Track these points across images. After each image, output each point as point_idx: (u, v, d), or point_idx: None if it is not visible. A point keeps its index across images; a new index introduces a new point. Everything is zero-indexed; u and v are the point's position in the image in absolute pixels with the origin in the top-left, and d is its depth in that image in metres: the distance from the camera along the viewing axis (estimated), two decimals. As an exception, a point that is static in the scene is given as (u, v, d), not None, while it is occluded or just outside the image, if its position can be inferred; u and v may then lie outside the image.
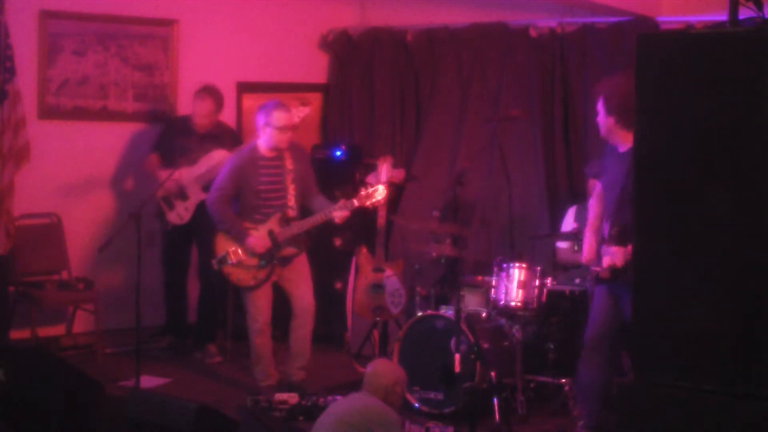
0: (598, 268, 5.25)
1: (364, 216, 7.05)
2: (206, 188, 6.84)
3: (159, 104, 7.68)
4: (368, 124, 8.25)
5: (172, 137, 7.11)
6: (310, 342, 6.35)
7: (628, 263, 5.03)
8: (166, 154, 7.06)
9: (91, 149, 7.43)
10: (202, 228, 7.02)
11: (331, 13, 8.47)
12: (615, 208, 5.18)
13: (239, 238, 6.16)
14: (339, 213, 6.09)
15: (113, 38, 7.48)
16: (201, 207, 6.92)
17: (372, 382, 4.74)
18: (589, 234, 5.40)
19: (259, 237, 6.15)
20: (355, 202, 6.10)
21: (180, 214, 7.01)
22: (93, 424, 5.27)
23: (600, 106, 5.23)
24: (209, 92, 7.09)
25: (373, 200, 6.15)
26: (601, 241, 5.25)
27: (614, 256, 5.09)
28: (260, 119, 6.22)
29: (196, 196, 6.96)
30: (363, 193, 6.12)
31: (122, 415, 5.02)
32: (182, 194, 6.99)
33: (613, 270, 5.12)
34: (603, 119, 5.22)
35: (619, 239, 5.09)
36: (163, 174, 6.89)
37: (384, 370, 4.85)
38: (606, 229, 5.22)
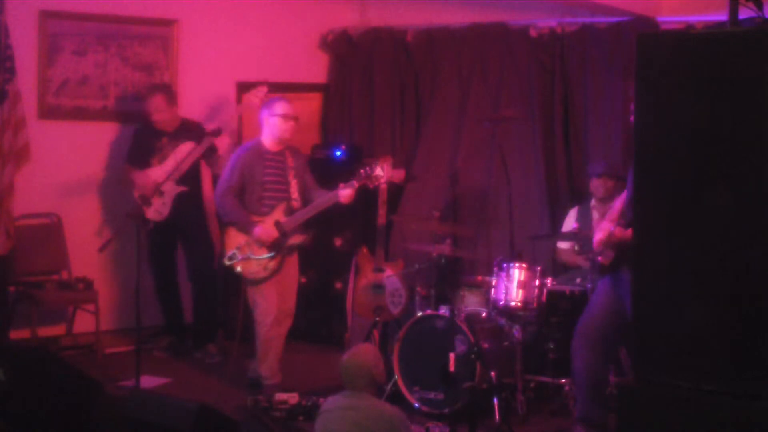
0: (601, 258, 5.26)
1: (364, 216, 7.05)
2: (180, 181, 6.97)
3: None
4: (368, 124, 8.25)
5: (143, 141, 7.16)
6: (284, 341, 6.46)
7: (626, 244, 5.01)
8: (140, 159, 7.11)
9: (91, 149, 7.43)
10: (185, 228, 7.08)
11: (331, 13, 8.47)
12: (626, 202, 5.23)
13: (246, 229, 6.22)
14: (343, 192, 6.13)
15: (113, 38, 7.48)
16: (179, 200, 6.98)
17: (355, 381, 4.64)
18: (606, 221, 5.42)
19: (266, 227, 6.20)
20: (355, 183, 6.15)
21: (158, 209, 7.02)
22: (93, 424, 5.27)
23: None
24: (156, 88, 7.24)
25: (373, 179, 6.18)
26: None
27: (605, 230, 5.11)
28: (263, 113, 6.36)
29: (171, 190, 7.00)
30: (363, 172, 6.16)
31: (122, 415, 5.01)
32: (158, 191, 6.99)
33: (617, 250, 5.13)
34: None
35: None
36: (139, 177, 6.97)
37: (360, 362, 4.69)
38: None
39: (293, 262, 6.44)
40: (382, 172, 6.24)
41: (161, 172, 6.98)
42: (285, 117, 6.28)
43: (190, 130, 7.20)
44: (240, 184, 6.29)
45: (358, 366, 4.66)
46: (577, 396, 5.61)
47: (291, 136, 6.36)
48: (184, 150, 6.99)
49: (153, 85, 7.34)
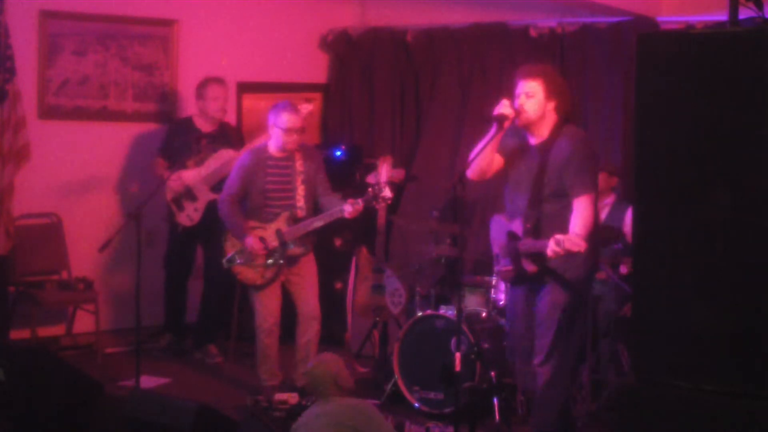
0: (508, 268, 5.10)
1: (364, 216, 7.05)
2: (215, 188, 6.86)
3: (159, 104, 7.68)
4: (368, 124, 8.25)
5: (178, 139, 7.10)
6: (315, 347, 6.34)
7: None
8: (173, 156, 7.06)
9: (91, 149, 7.43)
10: (207, 228, 7.03)
11: (331, 13, 8.47)
12: (528, 204, 5.03)
13: (239, 237, 6.17)
14: (349, 208, 6.07)
15: (113, 38, 7.48)
16: (210, 207, 6.92)
17: (320, 389, 4.65)
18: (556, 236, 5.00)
19: (257, 238, 6.15)
20: (361, 202, 6.08)
21: (190, 215, 7.00)
22: (93, 424, 5.28)
23: (537, 89, 4.99)
24: (214, 79, 7.15)
25: (380, 200, 6.13)
26: (513, 237, 5.08)
27: (569, 241, 4.66)
28: (270, 119, 6.22)
29: (204, 196, 6.95)
30: (371, 191, 6.11)
31: (122, 415, 5.02)
32: (191, 195, 6.98)
33: (539, 260, 4.91)
34: (541, 102, 5.00)
35: (534, 233, 4.96)
36: (172, 178, 6.90)
37: (322, 371, 4.70)
38: (518, 224, 5.06)
39: (309, 264, 6.37)
40: (391, 194, 6.16)
41: (197, 176, 6.94)
42: (287, 131, 6.13)
43: (229, 134, 7.16)
44: (242, 190, 6.22)
45: (321, 375, 4.66)
46: (540, 415, 5.27)
47: (295, 147, 6.22)
48: (225, 156, 6.88)
49: (208, 77, 7.18)
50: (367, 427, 4.50)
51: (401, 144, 8.10)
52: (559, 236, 4.68)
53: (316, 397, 4.67)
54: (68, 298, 7.19)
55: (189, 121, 7.19)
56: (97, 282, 7.25)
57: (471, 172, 4.99)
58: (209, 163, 6.96)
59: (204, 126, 7.10)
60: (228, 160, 6.81)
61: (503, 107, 5.00)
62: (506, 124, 5.00)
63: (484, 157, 5.09)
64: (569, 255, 4.73)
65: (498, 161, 5.20)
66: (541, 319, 5.04)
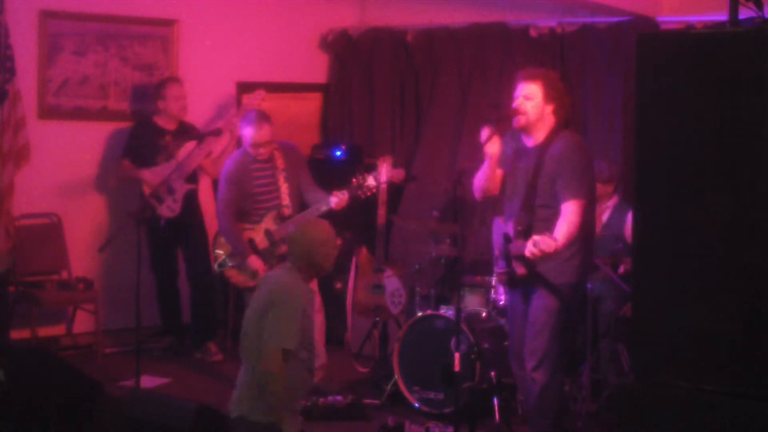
0: (503, 271, 5.09)
1: (364, 216, 7.06)
2: (188, 179, 7.03)
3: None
4: (368, 124, 8.25)
5: (144, 139, 7.17)
6: (322, 342, 6.36)
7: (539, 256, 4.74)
8: (142, 156, 7.11)
9: (91, 149, 7.44)
10: (186, 229, 7.13)
11: (331, 13, 8.47)
12: (521, 207, 5.05)
13: (242, 256, 6.21)
14: (335, 199, 6.09)
15: (113, 38, 7.48)
16: (187, 198, 7.03)
17: (292, 251, 4.69)
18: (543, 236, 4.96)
19: (259, 258, 6.19)
20: (346, 193, 6.11)
21: (170, 206, 7.03)
22: (93, 424, 5.27)
23: (536, 92, 5.03)
24: (172, 78, 7.37)
25: (365, 189, 6.15)
26: (506, 240, 5.07)
27: (543, 242, 4.65)
28: (240, 127, 6.31)
29: (180, 187, 7.02)
30: (354, 182, 6.13)
31: (122, 415, 5.02)
32: (168, 188, 7.00)
33: (528, 263, 4.90)
34: (539, 105, 5.03)
35: (526, 236, 4.94)
36: (146, 174, 6.98)
37: (303, 234, 4.66)
38: (510, 227, 5.07)
39: None
40: (375, 182, 6.18)
41: (171, 171, 6.98)
42: (254, 146, 6.19)
43: (189, 130, 7.24)
44: (236, 196, 6.25)
45: (296, 241, 4.68)
46: (531, 421, 5.36)
47: (266, 158, 6.25)
48: (190, 148, 7.02)
49: (167, 77, 7.42)
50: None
51: (401, 144, 8.10)
52: (536, 237, 4.71)
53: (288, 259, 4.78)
54: (68, 298, 7.18)
55: (151, 121, 7.24)
56: (97, 282, 7.25)
57: (478, 194, 5.18)
58: (178, 156, 7.05)
59: (166, 125, 7.20)
60: (195, 152, 6.98)
61: (487, 136, 5.11)
62: (494, 138, 5.12)
63: (487, 178, 5.23)
64: (562, 260, 4.75)
65: (501, 175, 5.28)
66: (532, 323, 5.06)
